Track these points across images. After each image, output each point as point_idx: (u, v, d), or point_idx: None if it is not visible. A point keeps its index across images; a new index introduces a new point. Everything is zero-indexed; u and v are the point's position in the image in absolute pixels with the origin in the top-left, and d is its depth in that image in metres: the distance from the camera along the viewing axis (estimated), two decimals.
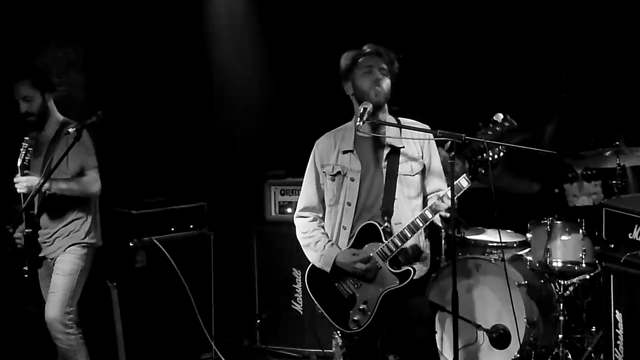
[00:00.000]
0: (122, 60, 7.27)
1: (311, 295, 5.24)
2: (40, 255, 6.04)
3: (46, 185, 5.82)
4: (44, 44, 6.66)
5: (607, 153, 6.51)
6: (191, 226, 7.21)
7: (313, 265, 5.22)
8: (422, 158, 5.10)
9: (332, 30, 8.19)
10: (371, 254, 5.02)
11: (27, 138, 5.88)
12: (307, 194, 5.30)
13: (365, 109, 4.98)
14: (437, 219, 5.02)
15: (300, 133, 7.93)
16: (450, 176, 4.76)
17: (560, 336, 6.53)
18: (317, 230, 5.24)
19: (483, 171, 4.85)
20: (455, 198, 4.80)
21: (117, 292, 6.57)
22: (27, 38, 6.65)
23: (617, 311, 5.72)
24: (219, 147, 8.01)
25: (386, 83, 5.09)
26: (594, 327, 6.64)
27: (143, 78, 7.42)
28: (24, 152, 5.86)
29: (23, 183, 5.81)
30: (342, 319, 5.09)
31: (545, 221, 6.61)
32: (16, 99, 6.00)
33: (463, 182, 4.88)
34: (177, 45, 7.67)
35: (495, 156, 4.84)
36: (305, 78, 8.20)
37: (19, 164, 5.86)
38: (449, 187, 4.82)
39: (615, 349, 5.71)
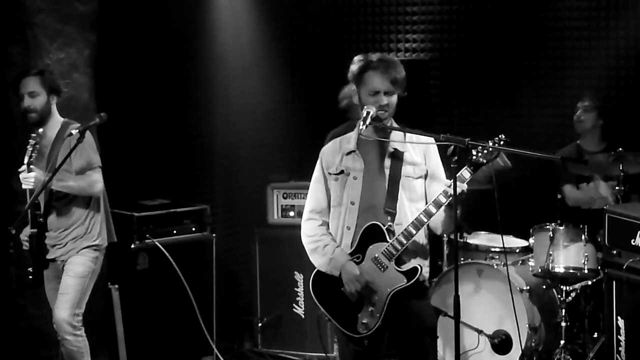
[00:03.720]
0: (127, 62, 7.26)
1: (317, 302, 5.11)
2: (48, 257, 5.99)
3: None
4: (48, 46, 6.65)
5: (610, 159, 6.50)
6: (193, 229, 7.20)
7: (318, 270, 5.10)
8: (425, 164, 5.08)
9: (338, 35, 8.23)
10: (376, 255, 4.96)
11: (33, 135, 5.85)
12: (315, 196, 5.18)
13: (368, 112, 4.94)
14: (437, 222, 4.99)
15: (304, 137, 7.98)
16: (453, 180, 4.74)
17: (562, 342, 6.52)
18: (326, 235, 5.12)
19: (484, 161, 4.80)
20: (457, 193, 4.78)
21: (118, 294, 6.56)
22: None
23: (619, 317, 5.72)
24: (222, 150, 8.00)
25: (391, 104, 5.03)
26: (596, 334, 6.63)
27: (147, 80, 7.41)
28: (30, 150, 5.83)
29: (30, 179, 5.74)
30: (351, 324, 5.01)
31: (548, 227, 6.60)
32: (21, 92, 5.93)
33: (465, 173, 4.84)
34: (182, 48, 7.67)
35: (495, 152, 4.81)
36: (309, 83, 8.20)
37: (25, 161, 5.81)
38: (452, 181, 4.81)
39: (617, 355, 5.70)
